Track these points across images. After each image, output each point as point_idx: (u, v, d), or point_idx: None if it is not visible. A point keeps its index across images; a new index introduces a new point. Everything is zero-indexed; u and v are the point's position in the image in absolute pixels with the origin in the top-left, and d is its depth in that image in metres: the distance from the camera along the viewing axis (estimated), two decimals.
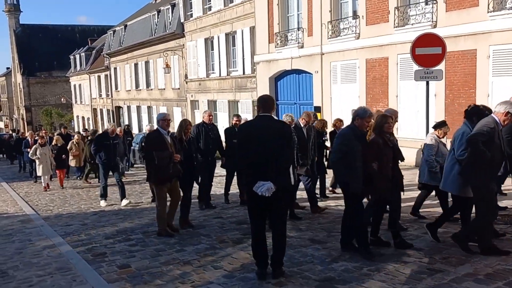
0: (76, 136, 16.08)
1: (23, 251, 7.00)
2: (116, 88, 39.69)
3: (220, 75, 24.51)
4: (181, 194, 7.59)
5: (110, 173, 11.03)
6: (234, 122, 9.48)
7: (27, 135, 17.51)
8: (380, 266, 5.21)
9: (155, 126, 8.18)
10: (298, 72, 17.73)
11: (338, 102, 15.88)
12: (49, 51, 64.45)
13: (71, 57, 52.50)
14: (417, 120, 12.84)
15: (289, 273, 5.11)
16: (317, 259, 5.62)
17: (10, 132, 53.13)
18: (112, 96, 40.72)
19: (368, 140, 5.73)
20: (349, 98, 15.42)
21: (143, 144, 10.36)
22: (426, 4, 13.05)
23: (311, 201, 8.39)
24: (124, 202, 10.62)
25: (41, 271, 5.88)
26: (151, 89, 33.24)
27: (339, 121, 10.13)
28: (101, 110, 44.83)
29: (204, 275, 5.33)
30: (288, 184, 5.04)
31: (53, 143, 15.16)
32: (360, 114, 5.54)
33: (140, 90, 35.08)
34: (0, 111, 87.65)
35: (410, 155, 10.40)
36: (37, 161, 14.30)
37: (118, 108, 40.41)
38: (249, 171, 4.97)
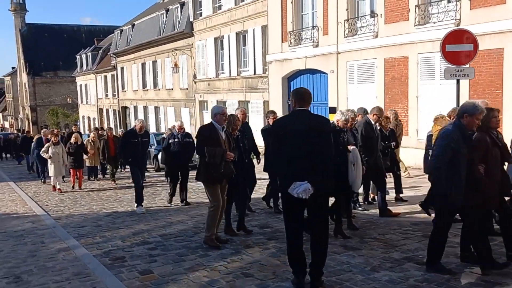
0: (92, 134, 15.44)
1: (37, 254, 6.63)
2: (123, 88, 39.38)
3: (230, 75, 24.13)
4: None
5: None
6: (271, 119, 8.54)
7: (42, 134, 16.57)
8: (429, 276, 4.80)
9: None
10: (313, 71, 17.34)
11: (355, 103, 15.39)
12: (55, 51, 64.33)
13: (78, 56, 52.27)
14: None
15: (327, 283, 4.70)
16: (356, 268, 5.21)
17: (16, 131, 53.00)
18: (118, 96, 40.41)
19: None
20: (367, 98, 14.98)
21: (169, 142, 10.02)
22: (449, 1, 12.63)
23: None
24: (140, 210, 9.44)
25: (57, 276, 5.50)
26: (159, 89, 32.89)
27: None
28: (107, 110, 44.52)
29: (235, 284, 4.93)
30: (328, 186, 4.61)
31: (71, 141, 14.17)
32: (468, 111, 4.67)
33: (147, 90, 34.74)
34: (5, 111, 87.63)
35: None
36: (48, 161, 13.60)
37: (125, 108, 40.09)
38: (284, 171, 4.56)
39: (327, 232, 4.66)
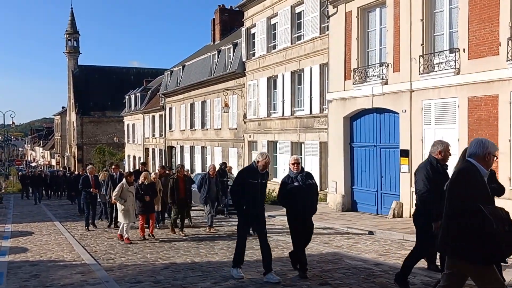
0: (153, 174, 12.83)
1: None
2: (170, 128, 39.16)
3: (283, 115, 23.10)
4: None
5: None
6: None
7: (88, 171, 14.66)
8: None
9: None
10: (380, 111, 15.97)
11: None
12: (104, 91, 66.09)
13: (126, 97, 53.11)
14: None
15: None
16: None
17: (62, 169, 53.68)
18: (165, 136, 40.18)
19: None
20: (447, 141, 13.40)
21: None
22: None
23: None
24: (237, 274, 7.18)
25: None
26: (207, 129, 32.28)
27: None
28: (153, 150, 44.37)
29: None
30: None
31: (139, 182, 11.81)
32: None
33: (195, 130, 34.24)
34: (53, 149, 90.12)
35: None
36: (119, 206, 11.37)
37: (171, 148, 39.73)
38: None
39: None
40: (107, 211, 14.66)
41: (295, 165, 7.30)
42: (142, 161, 33.56)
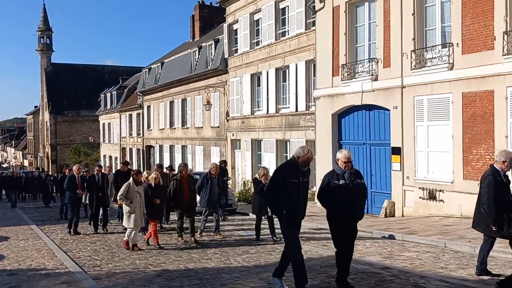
0: (153, 174, 10.93)
1: None
2: (149, 127, 38.23)
3: (267, 113, 22.62)
4: None
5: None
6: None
7: (74, 169, 13.37)
8: None
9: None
10: (370, 108, 15.64)
11: (424, 143, 13.64)
12: (78, 90, 64.51)
13: (102, 95, 51.79)
14: None
15: None
16: None
17: (36, 170, 51.89)
18: (143, 135, 39.21)
19: None
20: (440, 138, 13.19)
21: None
22: None
23: None
24: (279, 284, 6.19)
25: None
26: (187, 128, 31.55)
27: None
28: (131, 150, 43.31)
29: None
30: None
31: (147, 182, 10.54)
32: None
33: (175, 129, 33.45)
34: (26, 149, 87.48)
35: None
36: (125, 208, 9.94)
37: (149, 147, 38.79)
38: None
39: None
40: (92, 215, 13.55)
41: (347, 163, 6.20)
42: (124, 160, 32.35)
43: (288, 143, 21.51)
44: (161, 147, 36.11)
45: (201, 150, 29.58)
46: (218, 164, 13.64)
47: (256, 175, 11.35)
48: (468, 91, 12.50)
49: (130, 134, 43.00)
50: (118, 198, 10.24)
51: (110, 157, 49.48)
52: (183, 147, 32.35)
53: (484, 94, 12.13)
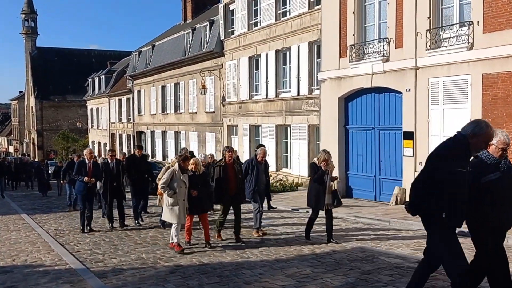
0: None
1: None
2: (139, 112, 37.15)
3: (267, 97, 21.78)
4: None
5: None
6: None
7: (85, 153, 11.20)
8: None
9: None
10: (380, 90, 14.90)
11: (439, 127, 12.98)
12: (64, 74, 62.89)
13: (90, 79, 50.43)
14: None
15: None
16: None
17: (22, 156, 50.38)
18: (134, 121, 38.13)
19: None
20: (457, 121, 12.45)
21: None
22: None
23: None
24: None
25: None
26: (180, 113, 30.59)
27: None
28: (120, 135, 42.21)
29: None
30: None
31: (190, 168, 8.77)
32: None
33: (167, 114, 32.46)
34: (11, 135, 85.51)
35: None
36: (166, 199, 8.37)
37: (140, 133, 37.76)
38: None
39: None
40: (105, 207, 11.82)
41: (504, 151, 4.52)
42: (109, 148, 31.39)
43: (288, 128, 20.77)
44: (152, 132, 35.14)
45: (196, 136, 28.70)
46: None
47: (315, 159, 9.03)
48: (488, 72, 11.82)
49: (120, 120, 41.86)
50: (159, 187, 8.75)
51: (99, 143, 48.33)
52: (176, 133, 31.42)
53: (507, 75, 11.46)
